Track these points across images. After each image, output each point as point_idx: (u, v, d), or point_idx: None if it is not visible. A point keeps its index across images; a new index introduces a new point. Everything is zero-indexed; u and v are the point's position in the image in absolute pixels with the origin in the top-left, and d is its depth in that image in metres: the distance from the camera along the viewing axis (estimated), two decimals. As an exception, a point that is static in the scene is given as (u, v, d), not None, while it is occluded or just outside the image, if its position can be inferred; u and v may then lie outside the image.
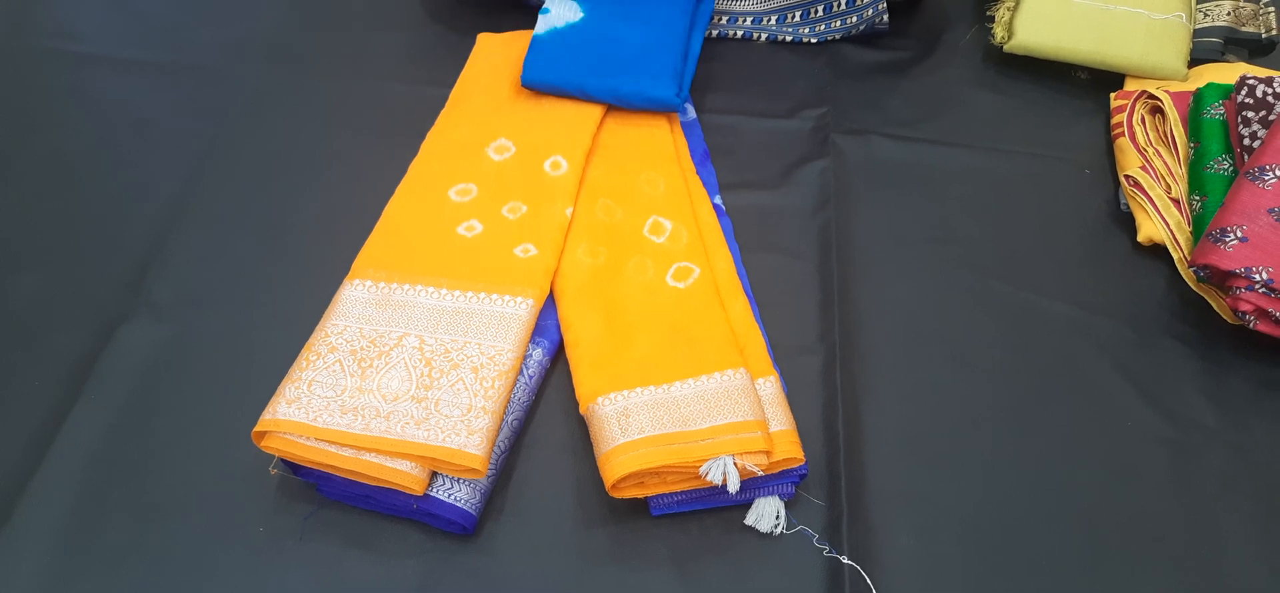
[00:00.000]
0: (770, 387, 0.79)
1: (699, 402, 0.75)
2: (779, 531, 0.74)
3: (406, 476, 0.70)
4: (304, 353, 0.78)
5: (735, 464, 0.71)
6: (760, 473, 0.72)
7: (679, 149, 1.00)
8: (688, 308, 0.84)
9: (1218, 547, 0.74)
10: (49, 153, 1.01)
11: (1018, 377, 0.84)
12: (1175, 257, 0.91)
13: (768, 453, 0.72)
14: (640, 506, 0.75)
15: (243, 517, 0.74)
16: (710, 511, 0.75)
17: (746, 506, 0.75)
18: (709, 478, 0.70)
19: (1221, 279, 0.84)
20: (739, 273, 0.89)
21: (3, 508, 0.73)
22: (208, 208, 0.96)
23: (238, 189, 0.97)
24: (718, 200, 0.96)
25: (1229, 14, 1.12)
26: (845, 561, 0.72)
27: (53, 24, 1.16)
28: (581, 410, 0.77)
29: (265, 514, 0.74)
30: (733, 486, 0.70)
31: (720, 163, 1.01)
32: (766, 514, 0.74)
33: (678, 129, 1.03)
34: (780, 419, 0.76)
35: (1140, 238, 0.94)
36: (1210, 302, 0.88)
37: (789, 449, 0.73)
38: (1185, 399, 0.83)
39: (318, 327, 0.80)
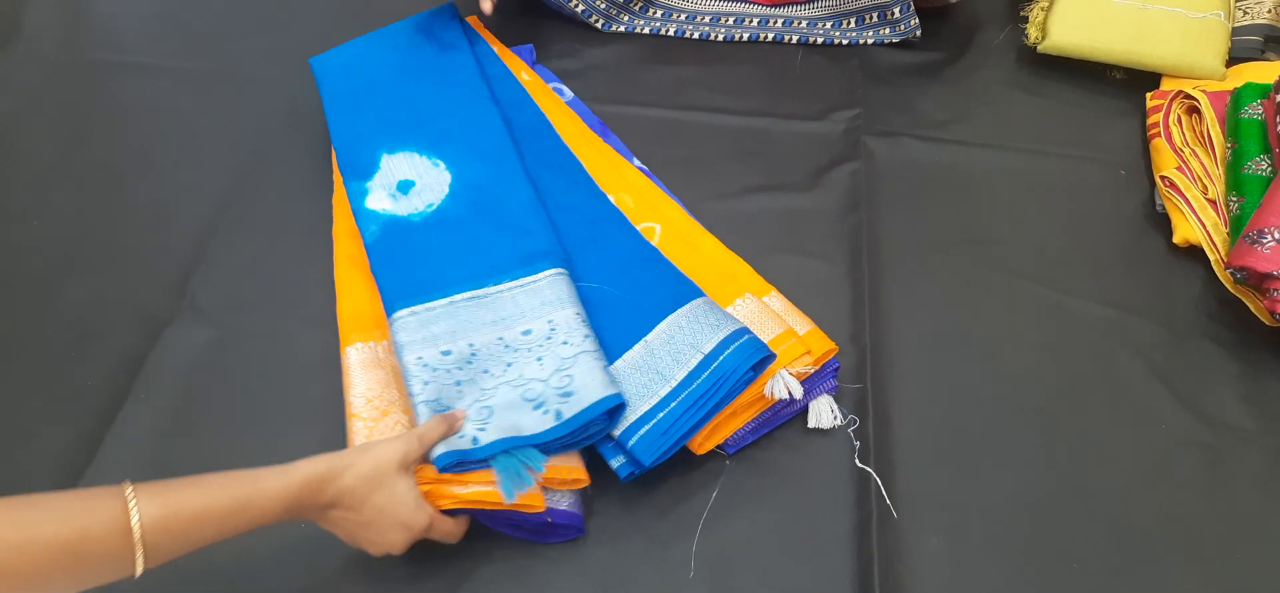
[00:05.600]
0: (776, 300, 0.85)
1: None
2: (839, 422, 0.80)
3: (531, 495, 0.70)
4: (352, 422, 0.76)
5: (790, 375, 0.76)
6: (812, 371, 0.78)
7: (581, 125, 1.02)
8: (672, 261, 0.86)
9: (1253, 551, 0.73)
10: (98, 161, 1.05)
11: (1051, 379, 0.84)
12: (1212, 258, 0.90)
13: (809, 352, 0.78)
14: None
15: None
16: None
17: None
18: (775, 396, 0.76)
19: (1259, 281, 0.83)
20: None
21: (56, 504, 0.76)
22: (250, 213, 0.98)
23: (279, 194, 1.00)
24: (637, 164, 0.99)
25: (1270, 11, 1.11)
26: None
27: (101, 37, 1.20)
28: None
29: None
30: (797, 392, 0.76)
31: (751, 164, 1.02)
32: (824, 413, 0.80)
33: (561, 106, 1.04)
34: (800, 323, 0.82)
35: (1176, 239, 0.93)
36: (1247, 304, 0.87)
37: (822, 344, 0.80)
38: (1221, 402, 0.82)
39: (346, 402, 0.78)
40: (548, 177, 0.94)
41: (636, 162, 0.99)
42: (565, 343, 0.76)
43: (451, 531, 0.70)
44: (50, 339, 0.87)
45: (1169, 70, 1.08)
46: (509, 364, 0.76)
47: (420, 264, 0.84)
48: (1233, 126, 0.95)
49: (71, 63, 1.17)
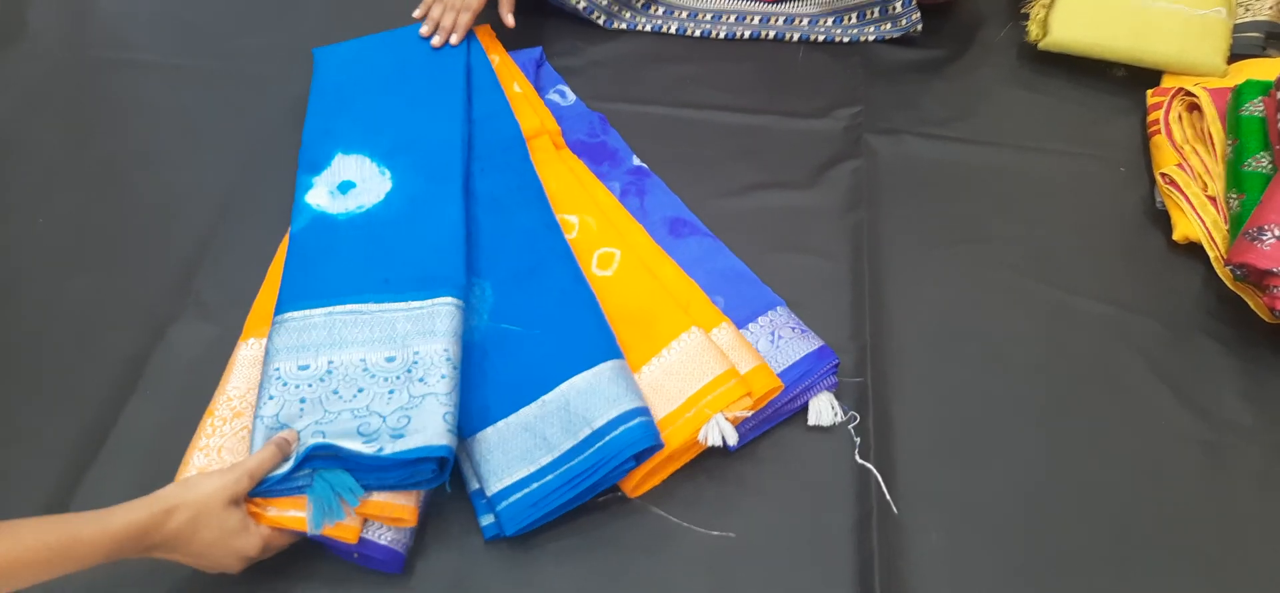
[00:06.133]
0: (725, 333, 0.82)
1: (669, 377, 0.78)
2: (839, 419, 0.79)
3: (343, 527, 0.69)
4: (207, 418, 0.77)
5: (726, 419, 0.75)
6: (749, 415, 0.76)
7: (555, 141, 1.00)
8: (624, 291, 0.85)
9: (1253, 548, 0.74)
10: (102, 158, 1.05)
11: (1051, 376, 0.84)
12: (1212, 255, 0.91)
13: (750, 392, 0.76)
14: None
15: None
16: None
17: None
18: (708, 443, 0.75)
19: (1259, 278, 0.83)
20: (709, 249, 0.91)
21: (61, 499, 0.76)
22: (253, 210, 0.98)
23: (282, 191, 1.00)
24: (637, 162, 0.98)
25: (1271, 8, 1.11)
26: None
27: (106, 35, 1.20)
28: None
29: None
30: (731, 438, 0.75)
31: (752, 162, 1.02)
32: (824, 411, 0.80)
33: (546, 120, 1.02)
34: (746, 358, 0.79)
35: (1176, 236, 0.93)
36: (1247, 300, 0.87)
37: (766, 382, 0.77)
38: (1221, 399, 0.82)
39: (217, 390, 0.79)
40: (507, 198, 0.92)
41: (634, 161, 0.99)
42: (421, 381, 0.74)
43: (284, 545, 0.71)
44: (54, 336, 0.88)
45: (1170, 67, 1.08)
46: (360, 390, 0.74)
47: (325, 266, 0.84)
48: (1233, 123, 0.96)
49: (76, 60, 1.17)
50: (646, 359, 0.80)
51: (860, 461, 0.78)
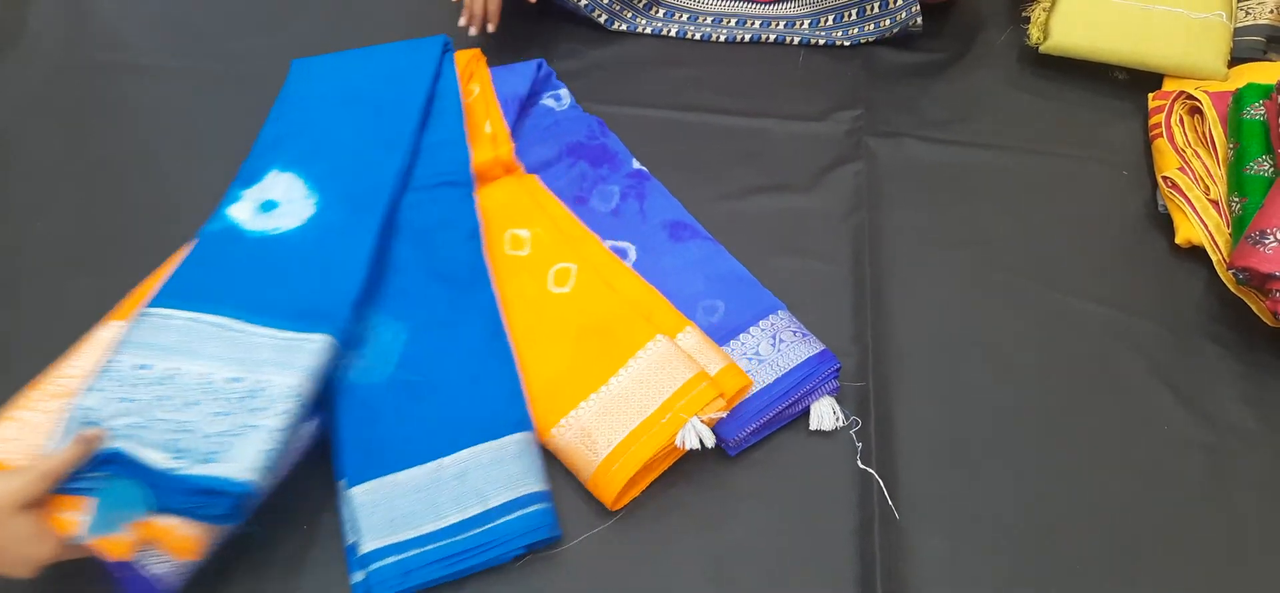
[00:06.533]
0: (690, 337, 0.82)
1: (639, 386, 0.77)
2: (841, 423, 0.79)
3: (113, 541, 0.64)
4: (33, 388, 0.74)
5: (702, 422, 0.75)
6: (724, 414, 0.76)
7: (500, 155, 0.96)
8: (584, 306, 0.84)
9: (1256, 554, 0.74)
10: (101, 161, 1.05)
11: (1053, 380, 0.84)
12: (1214, 259, 0.90)
13: (722, 395, 0.76)
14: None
15: (289, 514, 0.76)
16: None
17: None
18: (686, 447, 0.74)
19: (1261, 282, 0.83)
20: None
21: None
22: (252, 214, 0.98)
23: (281, 195, 1.00)
24: (637, 165, 0.99)
25: (1272, 12, 1.11)
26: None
27: (103, 37, 1.20)
28: (542, 441, 0.78)
29: (310, 512, 0.76)
30: (708, 440, 0.75)
31: (753, 165, 1.02)
32: (826, 415, 0.80)
33: (499, 129, 0.98)
34: (713, 359, 0.79)
35: (1178, 240, 0.93)
36: (1250, 304, 0.87)
37: (736, 380, 0.78)
38: (1224, 403, 0.82)
39: (60, 359, 0.77)
40: (439, 237, 0.88)
41: (634, 165, 0.99)
42: (257, 410, 0.69)
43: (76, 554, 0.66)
44: (52, 339, 0.87)
45: (1171, 71, 1.08)
46: (192, 404, 0.70)
47: (212, 274, 0.81)
48: (1235, 127, 0.95)
49: (75, 63, 1.17)
50: (614, 371, 0.79)
51: (862, 466, 0.78)
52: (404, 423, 0.76)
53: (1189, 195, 0.94)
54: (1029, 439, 0.80)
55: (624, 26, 1.18)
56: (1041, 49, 1.11)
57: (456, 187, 0.92)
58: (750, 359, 0.82)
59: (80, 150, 1.06)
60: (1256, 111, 0.94)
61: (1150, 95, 1.07)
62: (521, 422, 0.76)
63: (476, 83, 1.05)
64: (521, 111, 1.04)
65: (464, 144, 0.96)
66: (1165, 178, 0.96)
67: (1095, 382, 0.84)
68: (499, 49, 1.14)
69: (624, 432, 0.75)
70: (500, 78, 1.06)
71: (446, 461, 0.74)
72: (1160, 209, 0.97)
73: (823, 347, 0.82)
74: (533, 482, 0.73)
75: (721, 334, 0.84)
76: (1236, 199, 0.91)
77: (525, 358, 0.81)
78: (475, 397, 0.77)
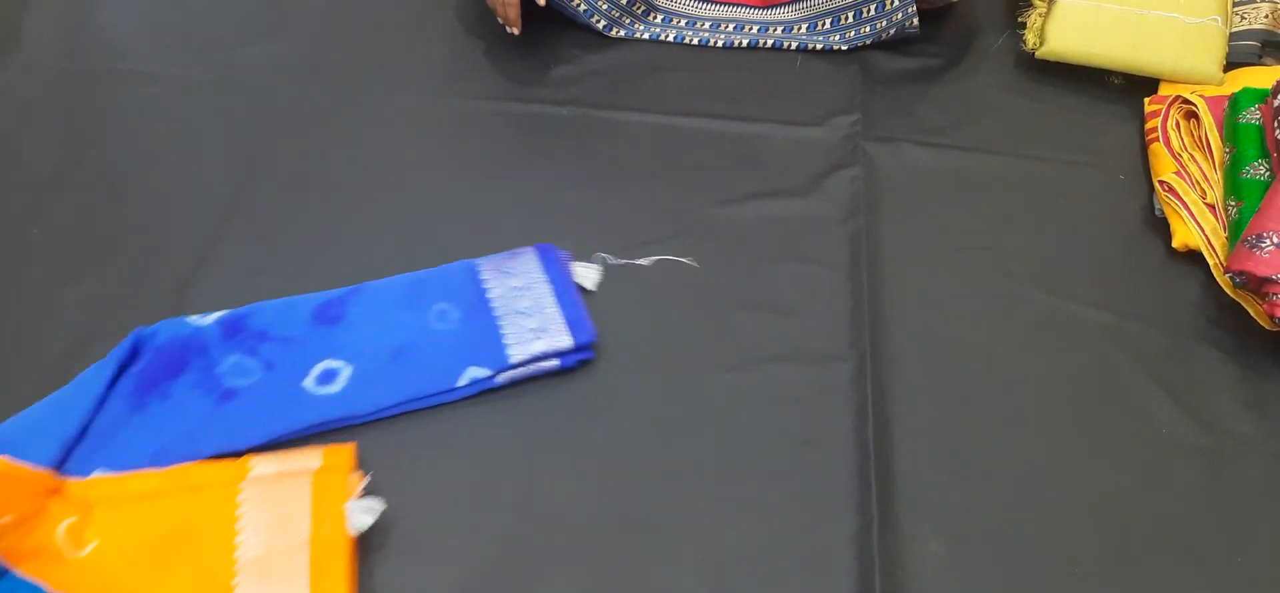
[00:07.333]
0: (265, 463, 0.74)
1: (274, 537, 0.70)
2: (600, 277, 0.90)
3: None
4: None
5: (356, 501, 0.72)
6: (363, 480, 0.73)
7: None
8: (150, 536, 0.71)
9: (1254, 556, 0.74)
10: (98, 168, 1.05)
11: (1050, 384, 0.84)
12: (1211, 263, 0.91)
13: (347, 470, 0.73)
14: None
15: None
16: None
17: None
18: (362, 529, 0.71)
19: (1258, 285, 0.83)
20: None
21: (56, 512, 0.75)
22: (249, 221, 0.98)
23: (278, 202, 1.00)
24: (215, 318, 0.85)
25: (1267, 17, 1.11)
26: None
27: (101, 44, 1.20)
28: None
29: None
30: (376, 511, 0.71)
31: (750, 171, 1.02)
32: (589, 274, 0.89)
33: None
34: (306, 456, 0.75)
35: (1175, 244, 0.93)
36: (1246, 308, 0.87)
37: (342, 452, 0.75)
38: (1221, 407, 0.82)
39: None
40: None
41: (209, 320, 0.86)
42: None
43: None
44: (49, 346, 0.87)
45: (1166, 76, 1.08)
46: None
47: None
48: (1231, 131, 0.96)
49: (72, 70, 1.17)
50: (232, 560, 0.69)
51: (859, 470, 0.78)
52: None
53: (1185, 199, 0.94)
54: (1026, 443, 0.80)
55: (622, 33, 1.18)
56: (1037, 54, 1.11)
57: None
58: (514, 312, 0.85)
59: (77, 157, 1.06)
60: (1252, 115, 0.95)
61: (1146, 100, 1.07)
62: None
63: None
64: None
65: None
66: (1162, 182, 0.96)
67: (1092, 385, 0.84)
68: (496, 56, 1.14)
69: (303, 579, 0.68)
70: None
71: None
72: (1157, 213, 0.97)
73: (536, 247, 0.89)
74: None
75: (482, 320, 0.85)
76: (1233, 203, 0.91)
77: None
78: None
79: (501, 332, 0.84)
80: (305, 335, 0.84)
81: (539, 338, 0.83)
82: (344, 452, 0.75)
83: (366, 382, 0.81)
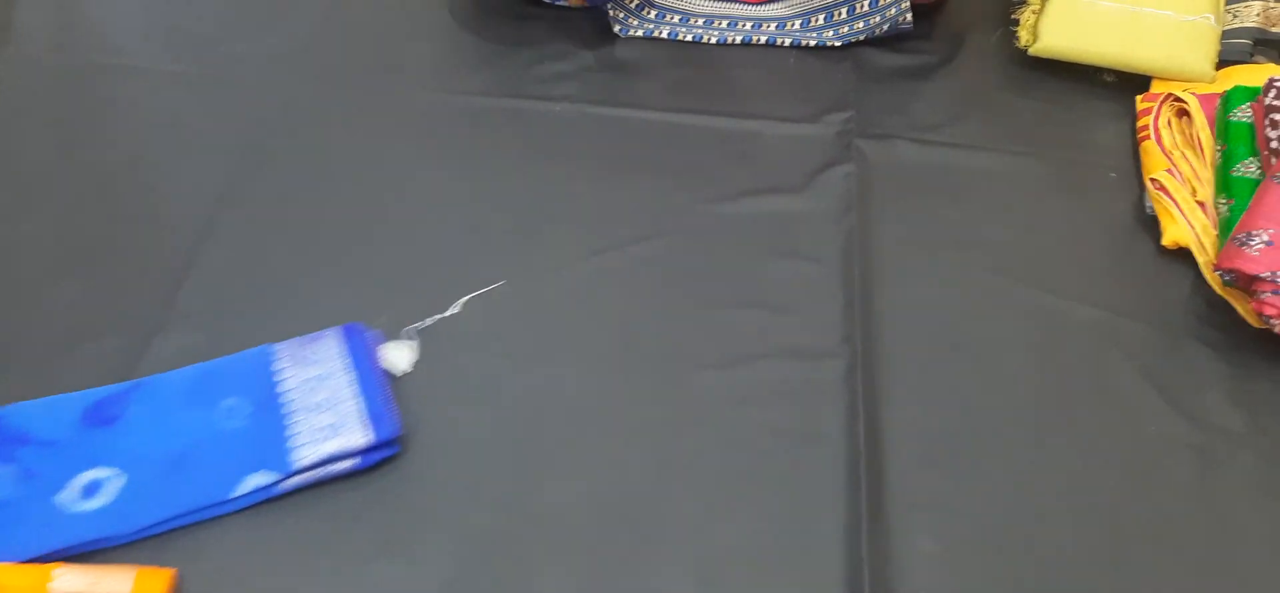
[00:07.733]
0: (68, 576, 0.66)
1: None
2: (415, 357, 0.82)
3: None
4: None
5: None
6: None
7: None
8: None
9: (1244, 554, 0.74)
10: (88, 164, 1.04)
11: (1040, 381, 0.84)
12: (1201, 260, 0.91)
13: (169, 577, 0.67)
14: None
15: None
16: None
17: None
18: None
19: (1247, 283, 0.83)
20: None
21: (46, 509, 0.75)
22: (241, 218, 0.98)
23: (271, 199, 1.00)
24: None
25: (1259, 15, 1.11)
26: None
27: (92, 40, 1.20)
28: None
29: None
30: None
31: (743, 167, 1.02)
32: (399, 358, 0.81)
33: None
34: (118, 573, 0.67)
35: (1165, 241, 0.93)
36: (1236, 306, 0.87)
37: (158, 574, 0.67)
38: (1211, 404, 0.82)
39: None
40: None
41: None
42: None
43: None
44: (39, 343, 0.87)
45: (1159, 73, 1.08)
46: None
47: None
48: (1222, 129, 0.96)
49: (62, 66, 1.16)
50: None
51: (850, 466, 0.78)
52: None
53: (1176, 197, 0.94)
54: (1016, 440, 0.80)
55: (616, 28, 1.18)
56: (1030, 51, 1.12)
57: None
58: (307, 406, 0.76)
59: (68, 152, 1.06)
60: (1243, 114, 0.95)
61: (1138, 97, 1.07)
62: None
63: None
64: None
65: None
66: (1153, 180, 0.96)
67: (1082, 382, 0.84)
68: (490, 50, 1.14)
69: None
70: None
71: None
72: (1148, 210, 0.97)
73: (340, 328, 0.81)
74: None
75: (271, 417, 0.75)
76: (1223, 201, 0.91)
77: None
78: None
79: (289, 431, 0.75)
80: (71, 439, 0.74)
81: (333, 436, 0.73)
82: (158, 574, 0.66)
83: (139, 494, 0.71)
